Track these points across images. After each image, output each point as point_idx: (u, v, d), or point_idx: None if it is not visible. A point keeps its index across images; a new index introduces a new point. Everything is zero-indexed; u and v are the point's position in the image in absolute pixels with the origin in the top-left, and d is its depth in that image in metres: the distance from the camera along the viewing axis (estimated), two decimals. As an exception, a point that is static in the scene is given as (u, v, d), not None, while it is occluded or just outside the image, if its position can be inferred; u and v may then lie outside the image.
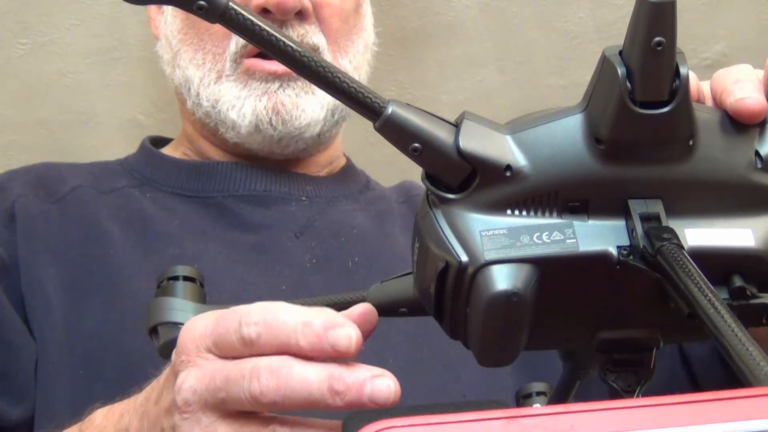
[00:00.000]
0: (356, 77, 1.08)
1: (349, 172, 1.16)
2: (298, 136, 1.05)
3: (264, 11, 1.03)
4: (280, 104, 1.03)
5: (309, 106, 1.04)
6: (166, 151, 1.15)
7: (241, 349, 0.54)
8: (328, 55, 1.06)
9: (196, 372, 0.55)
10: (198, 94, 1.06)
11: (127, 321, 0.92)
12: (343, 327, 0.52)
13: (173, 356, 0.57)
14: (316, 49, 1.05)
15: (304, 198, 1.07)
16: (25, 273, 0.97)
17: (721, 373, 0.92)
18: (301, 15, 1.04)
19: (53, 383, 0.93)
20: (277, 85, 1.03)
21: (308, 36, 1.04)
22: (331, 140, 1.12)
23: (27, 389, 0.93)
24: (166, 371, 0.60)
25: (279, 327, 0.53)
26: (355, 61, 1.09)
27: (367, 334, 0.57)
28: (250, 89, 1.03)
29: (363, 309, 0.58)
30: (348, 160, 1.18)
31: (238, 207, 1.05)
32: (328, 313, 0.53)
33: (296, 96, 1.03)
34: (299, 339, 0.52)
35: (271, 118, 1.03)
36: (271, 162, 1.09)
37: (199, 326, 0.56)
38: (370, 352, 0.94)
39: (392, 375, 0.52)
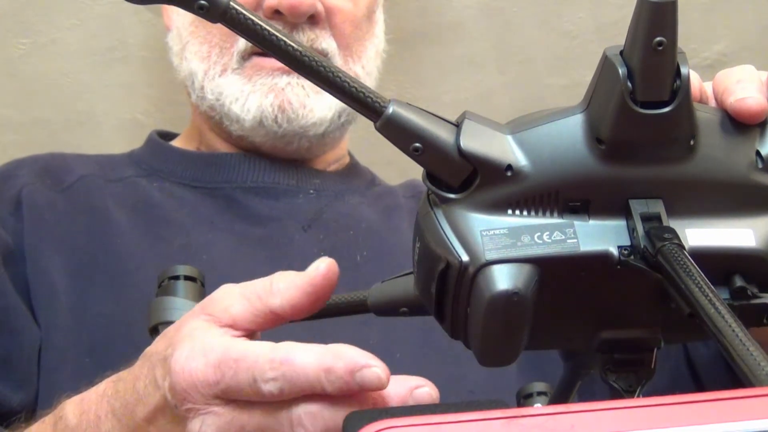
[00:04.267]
0: (369, 83, 1.09)
1: (354, 168, 1.17)
2: (302, 134, 1.05)
3: (276, 13, 1.03)
4: (287, 102, 1.03)
5: (317, 105, 1.04)
6: (176, 143, 1.16)
7: (259, 399, 0.53)
8: (339, 60, 1.06)
9: (213, 419, 0.54)
10: (202, 87, 1.06)
11: (134, 310, 0.92)
12: (369, 367, 0.51)
13: (168, 396, 0.56)
14: (325, 54, 1.05)
15: (311, 191, 1.08)
16: (31, 260, 0.98)
17: (726, 377, 0.92)
18: (312, 19, 1.05)
19: (58, 370, 0.93)
20: (285, 81, 1.03)
21: (318, 41, 1.05)
22: (336, 142, 1.12)
23: (29, 376, 0.93)
24: (157, 400, 0.58)
25: (301, 380, 0.52)
26: (367, 67, 1.10)
27: (330, 291, 0.58)
28: (254, 84, 1.03)
29: (326, 268, 0.57)
30: (352, 157, 1.18)
31: (246, 199, 1.05)
32: (347, 351, 0.52)
33: (305, 96, 1.03)
34: (325, 386, 0.52)
35: (276, 116, 1.03)
36: (279, 155, 1.09)
37: (197, 371, 0.54)
38: (378, 348, 0.94)
39: None
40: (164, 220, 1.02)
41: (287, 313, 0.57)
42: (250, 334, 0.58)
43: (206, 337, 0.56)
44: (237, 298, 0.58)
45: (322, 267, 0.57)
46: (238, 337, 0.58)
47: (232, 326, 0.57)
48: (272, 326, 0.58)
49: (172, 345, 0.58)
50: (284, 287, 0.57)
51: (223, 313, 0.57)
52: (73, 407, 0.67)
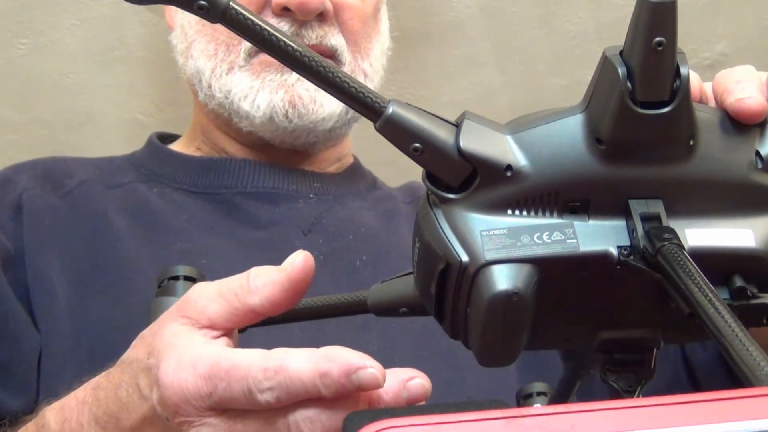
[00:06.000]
0: (375, 80, 1.10)
1: (356, 170, 1.16)
2: (310, 129, 1.05)
3: (285, 10, 1.03)
4: (297, 97, 1.03)
5: (327, 100, 1.04)
6: (176, 146, 1.15)
7: (254, 408, 0.53)
8: (347, 57, 1.06)
9: (208, 430, 0.54)
10: (210, 86, 1.06)
11: (134, 315, 0.91)
12: (365, 368, 0.51)
13: (159, 409, 0.56)
14: (334, 50, 1.05)
15: (312, 195, 1.07)
16: (30, 265, 0.98)
17: (724, 380, 0.92)
18: (321, 16, 1.04)
19: (58, 376, 0.92)
20: (294, 77, 1.03)
21: (327, 37, 1.05)
22: (341, 138, 1.12)
23: (28, 382, 0.93)
24: (145, 410, 0.58)
25: (297, 387, 0.52)
26: (375, 65, 1.10)
27: (307, 284, 0.57)
28: (264, 81, 1.03)
29: (303, 261, 0.57)
30: (355, 159, 1.18)
31: (246, 204, 1.05)
32: (341, 354, 0.52)
33: (315, 90, 1.03)
34: (322, 391, 0.52)
35: (287, 111, 1.03)
36: (281, 157, 1.09)
37: (188, 384, 0.54)
38: (377, 351, 0.94)
39: None
40: (164, 225, 1.02)
41: (266, 310, 0.57)
42: (229, 333, 0.58)
43: (190, 346, 0.56)
44: (213, 297, 0.57)
45: (299, 260, 0.57)
46: (218, 337, 0.57)
47: (211, 327, 0.57)
48: (250, 323, 0.58)
49: (155, 354, 0.57)
50: (262, 284, 0.57)
51: (200, 314, 0.57)
52: (54, 414, 0.67)
